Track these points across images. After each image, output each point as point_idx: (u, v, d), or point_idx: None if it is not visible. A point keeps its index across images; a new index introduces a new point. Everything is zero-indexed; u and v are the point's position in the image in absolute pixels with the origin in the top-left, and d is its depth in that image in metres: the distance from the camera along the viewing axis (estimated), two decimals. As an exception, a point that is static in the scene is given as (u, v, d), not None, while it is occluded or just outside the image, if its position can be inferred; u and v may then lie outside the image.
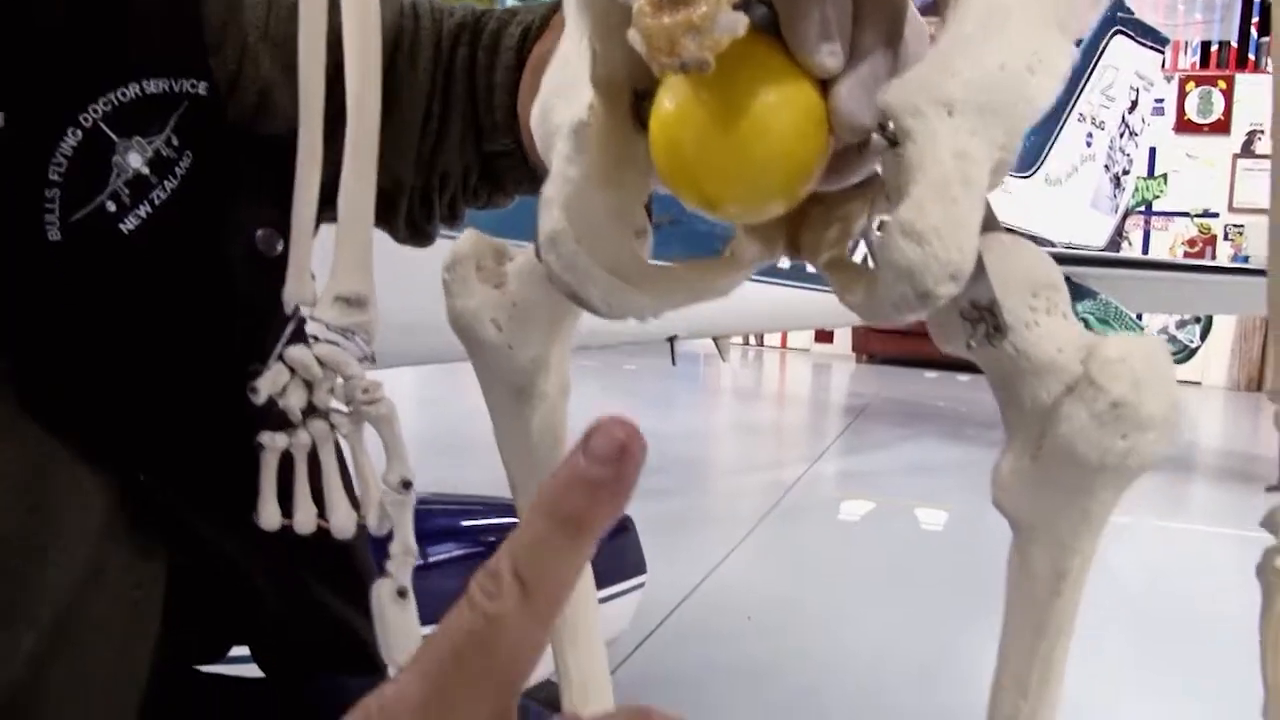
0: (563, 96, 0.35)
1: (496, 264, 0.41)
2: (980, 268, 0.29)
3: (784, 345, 9.95)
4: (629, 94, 0.33)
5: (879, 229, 0.31)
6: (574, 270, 0.33)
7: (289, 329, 0.63)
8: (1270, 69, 0.50)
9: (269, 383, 0.63)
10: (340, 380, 0.63)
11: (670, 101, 0.30)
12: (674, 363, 3.18)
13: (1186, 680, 2.29)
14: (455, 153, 0.77)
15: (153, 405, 0.67)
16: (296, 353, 0.63)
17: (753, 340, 9.81)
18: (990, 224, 0.30)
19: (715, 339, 3.67)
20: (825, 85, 0.30)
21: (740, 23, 0.26)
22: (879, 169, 0.32)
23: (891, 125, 0.28)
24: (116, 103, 0.63)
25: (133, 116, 0.64)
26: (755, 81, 0.29)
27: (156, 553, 0.70)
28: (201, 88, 0.66)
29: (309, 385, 0.64)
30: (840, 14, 0.29)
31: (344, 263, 0.63)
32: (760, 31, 0.31)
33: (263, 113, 0.70)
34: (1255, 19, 8.83)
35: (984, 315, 0.30)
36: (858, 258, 0.36)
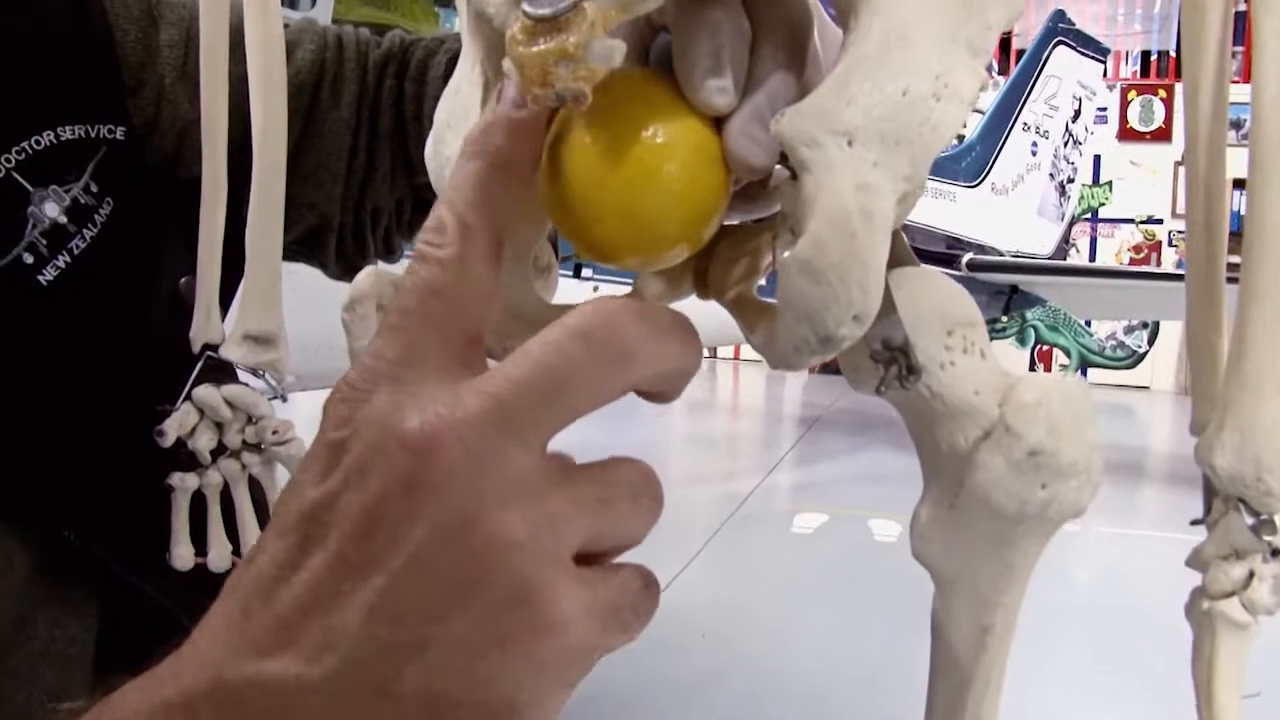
0: (453, 128, 0.33)
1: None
2: (890, 305, 0.27)
3: (737, 356, 9.97)
4: None
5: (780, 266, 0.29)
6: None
7: (197, 369, 0.61)
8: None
9: (176, 424, 0.61)
10: (250, 420, 0.61)
11: (557, 144, 0.28)
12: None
13: (1141, 682, 2.31)
14: (385, 187, 0.76)
15: (72, 456, 0.65)
16: (204, 393, 0.61)
17: (706, 352, 9.82)
18: (901, 258, 0.28)
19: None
20: (721, 121, 0.28)
21: (617, 51, 0.24)
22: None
23: None
24: (30, 151, 0.61)
25: (48, 165, 0.61)
26: (642, 122, 0.27)
27: (86, 606, 0.68)
28: (119, 132, 0.64)
29: (219, 426, 0.62)
30: (735, 43, 0.27)
31: (251, 300, 0.61)
32: (658, 69, 0.29)
33: (183, 154, 0.68)
34: (1193, 29, 8.98)
35: (896, 356, 0.28)
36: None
